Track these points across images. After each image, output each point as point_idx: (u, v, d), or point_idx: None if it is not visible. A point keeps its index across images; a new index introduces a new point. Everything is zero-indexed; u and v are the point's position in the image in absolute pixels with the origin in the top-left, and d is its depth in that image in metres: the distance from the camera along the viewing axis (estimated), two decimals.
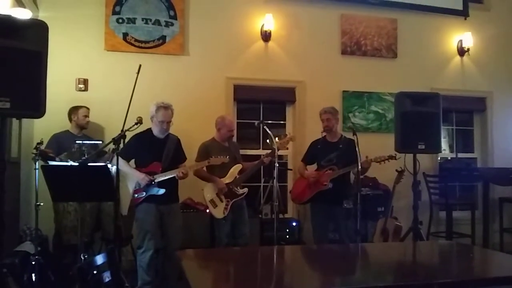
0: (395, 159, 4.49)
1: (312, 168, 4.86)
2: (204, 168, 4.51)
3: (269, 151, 4.65)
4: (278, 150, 4.40)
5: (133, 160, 4.25)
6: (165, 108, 4.12)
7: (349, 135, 4.63)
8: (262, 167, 4.97)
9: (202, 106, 5.52)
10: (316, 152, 4.78)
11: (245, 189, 4.64)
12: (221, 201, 4.50)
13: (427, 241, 5.46)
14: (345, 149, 4.52)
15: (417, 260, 3.19)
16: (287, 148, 5.29)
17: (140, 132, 4.10)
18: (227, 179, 4.54)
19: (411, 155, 4.65)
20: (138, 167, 4.18)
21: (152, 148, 4.18)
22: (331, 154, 4.61)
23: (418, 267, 2.93)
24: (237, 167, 4.64)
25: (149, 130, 4.21)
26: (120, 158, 3.78)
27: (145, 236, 4.04)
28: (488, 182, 6.36)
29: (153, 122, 4.17)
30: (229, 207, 4.50)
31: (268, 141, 4.41)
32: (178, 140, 4.37)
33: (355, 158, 4.27)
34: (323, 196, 4.53)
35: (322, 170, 4.62)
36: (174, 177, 4.13)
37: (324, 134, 4.76)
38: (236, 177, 4.59)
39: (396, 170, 4.89)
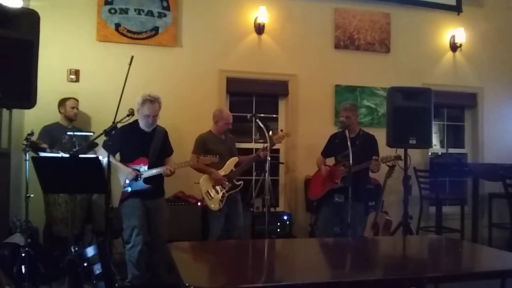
0: (401, 159, 4.48)
1: (330, 161, 4.87)
2: None
3: (260, 144, 4.66)
4: (273, 144, 4.42)
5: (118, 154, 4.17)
6: (151, 101, 4.00)
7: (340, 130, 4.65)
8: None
9: (194, 98, 5.50)
10: (334, 146, 4.75)
11: (241, 182, 4.65)
12: (217, 193, 4.50)
13: (417, 235, 5.52)
14: (362, 145, 4.46)
15: (407, 254, 3.21)
16: (281, 142, 5.29)
17: (126, 125, 3.86)
18: (223, 172, 4.55)
19: (402, 150, 4.67)
20: (124, 161, 4.10)
21: (138, 142, 4.09)
22: (347, 149, 4.59)
23: (408, 261, 2.95)
24: (233, 160, 4.64)
25: (135, 123, 4.09)
26: (104, 152, 3.64)
27: (132, 232, 3.99)
28: (478, 178, 6.41)
29: (139, 114, 4.05)
30: (224, 199, 4.50)
31: (258, 135, 4.41)
32: (166, 132, 4.28)
33: (373, 154, 4.33)
34: (337, 191, 4.55)
35: (337, 165, 4.63)
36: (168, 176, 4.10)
37: (341, 128, 4.72)
38: (232, 170, 4.60)
39: (387, 165, 4.90)
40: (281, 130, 4.88)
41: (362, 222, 4.71)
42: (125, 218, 4.06)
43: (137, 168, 4.04)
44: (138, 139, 4.10)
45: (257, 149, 5.69)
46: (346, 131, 4.33)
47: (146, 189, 4.01)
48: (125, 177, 4.04)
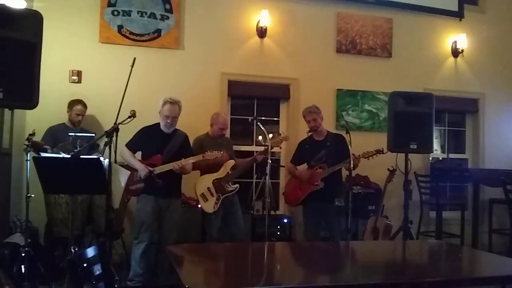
0: (383, 153, 4.51)
1: (302, 168, 4.85)
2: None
3: (262, 147, 4.66)
4: (271, 148, 4.42)
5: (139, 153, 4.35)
6: (171, 103, 4.20)
7: (342, 134, 4.65)
8: (254, 163, 4.97)
9: (196, 101, 5.49)
10: (305, 152, 4.76)
11: (237, 185, 4.65)
12: (212, 195, 4.50)
13: (417, 240, 5.51)
14: (333, 146, 4.53)
15: (407, 259, 3.21)
16: (280, 148, 5.27)
17: (148, 126, 4.30)
18: (219, 175, 4.55)
19: (403, 154, 4.68)
20: (142, 159, 4.27)
21: (156, 141, 4.26)
22: (319, 152, 4.60)
23: (408, 265, 2.95)
24: (230, 163, 4.64)
25: (157, 124, 4.30)
26: (126, 149, 4.14)
27: (141, 227, 4.12)
28: (479, 183, 6.41)
29: (160, 116, 4.25)
30: (219, 202, 4.50)
31: (260, 138, 4.43)
32: (186, 136, 4.42)
33: (346, 154, 4.30)
34: (315, 195, 4.54)
35: (314, 168, 4.62)
36: (177, 172, 4.17)
37: (310, 133, 4.75)
38: (228, 172, 4.60)
39: (388, 169, 4.91)
40: (279, 134, 4.87)
41: (341, 225, 4.71)
42: (137, 213, 4.22)
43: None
44: (157, 139, 4.27)
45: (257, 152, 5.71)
46: (348, 135, 4.33)
47: (159, 186, 4.08)
48: (126, 177, 4.05)
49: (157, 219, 4.15)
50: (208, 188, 4.52)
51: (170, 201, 4.23)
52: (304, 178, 4.66)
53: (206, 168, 4.54)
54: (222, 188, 4.53)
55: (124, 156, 4.19)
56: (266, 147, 4.55)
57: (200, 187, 4.52)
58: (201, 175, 4.63)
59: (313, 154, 4.64)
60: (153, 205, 4.13)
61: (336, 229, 4.55)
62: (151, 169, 4.11)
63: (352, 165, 4.19)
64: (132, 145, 4.26)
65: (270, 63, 5.90)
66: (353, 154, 4.33)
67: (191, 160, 4.29)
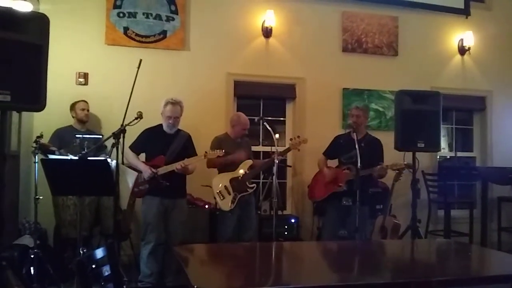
0: (411, 169, 4.48)
1: (332, 164, 4.86)
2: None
3: (268, 147, 4.67)
4: (288, 150, 4.68)
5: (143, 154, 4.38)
6: (173, 103, 4.21)
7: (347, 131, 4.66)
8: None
9: (202, 101, 5.51)
10: (339, 147, 4.76)
11: (254, 185, 4.67)
12: (229, 194, 4.51)
13: (425, 239, 5.48)
14: (367, 148, 4.43)
15: (415, 258, 3.20)
16: (299, 150, 5.20)
17: (151, 127, 4.31)
18: (236, 174, 4.56)
19: (411, 153, 4.66)
20: (146, 160, 4.30)
21: (159, 142, 4.27)
22: (352, 151, 4.57)
23: (416, 264, 2.94)
24: (247, 162, 4.65)
25: (160, 125, 4.32)
26: (130, 151, 4.14)
27: (147, 229, 4.15)
28: (487, 181, 6.37)
29: (162, 117, 4.26)
30: (236, 201, 4.50)
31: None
32: (189, 136, 4.42)
33: (378, 160, 4.31)
34: (338, 194, 4.55)
35: (341, 167, 4.64)
36: (182, 173, 4.18)
37: (348, 130, 4.73)
38: (245, 172, 4.61)
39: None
40: (298, 136, 4.84)
41: (367, 226, 4.70)
42: (143, 214, 4.24)
43: None
44: (160, 140, 4.29)
45: (264, 152, 5.71)
46: (354, 133, 4.33)
47: (163, 187, 4.09)
48: (133, 178, 4.07)
49: (162, 220, 4.18)
50: (225, 186, 4.52)
51: (175, 202, 4.24)
52: (329, 177, 4.67)
53: (224, 166, 4.56)
54: (239, 187, 4.53)
55: (128, 158, 4.20)
56: (286, 148, 4.67)
57: (217, 185, 4.53)
58: (219, 173, 4.64)
59: (345, 151, 4.63)
60: (158, 206, 4.15)
61: (351, 229, 4.50)
62: (154, 170, 4.12)
63: (359, 165, 4.16)
64: (136, 147, 4.28)
65: (276, 63, 5.89)
66: (380, 164, 4.35)
67: (193, 161, 4.29)
